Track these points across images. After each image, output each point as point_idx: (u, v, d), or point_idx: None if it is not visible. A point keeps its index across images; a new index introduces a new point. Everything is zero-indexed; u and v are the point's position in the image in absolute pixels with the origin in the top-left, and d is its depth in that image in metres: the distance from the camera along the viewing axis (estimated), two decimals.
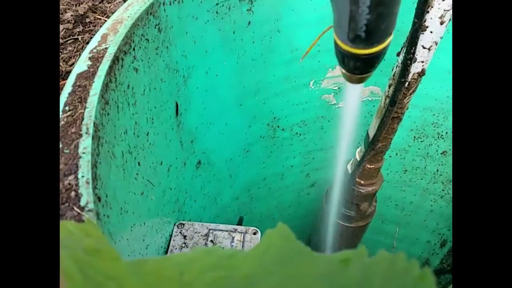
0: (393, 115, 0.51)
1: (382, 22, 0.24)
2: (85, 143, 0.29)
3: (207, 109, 0.66)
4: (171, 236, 0.59)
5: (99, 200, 0.28)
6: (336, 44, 0.27)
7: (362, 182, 0.66)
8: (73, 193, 0.25)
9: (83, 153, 0.28)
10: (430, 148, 0.91)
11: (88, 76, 0.35)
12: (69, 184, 0.25)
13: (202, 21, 0.57)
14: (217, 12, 0.59)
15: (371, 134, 0.57)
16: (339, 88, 0.81)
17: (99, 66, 0.37)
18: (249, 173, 0.88)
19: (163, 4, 0.49)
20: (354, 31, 0.25)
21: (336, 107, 0.85)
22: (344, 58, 0.28)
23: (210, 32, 0.60)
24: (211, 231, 0.60)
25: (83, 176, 0.26)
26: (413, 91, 0.48)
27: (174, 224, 0.61)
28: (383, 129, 0.54)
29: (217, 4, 0.59)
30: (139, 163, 0.45)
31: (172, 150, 0.58)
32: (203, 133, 0.68)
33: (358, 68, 0.28)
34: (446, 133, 0.86)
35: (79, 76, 0.36)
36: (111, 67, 0.37)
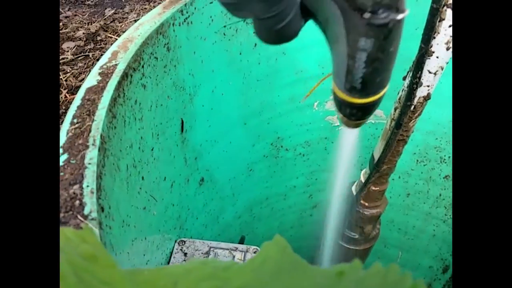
0: (398, 138, 0.52)
1: (378, 76, 0.26)
2: (91, 154, 0.29)
3: (212, 127, 0.67)
4: (171, 253, 0.59)
5: (102, 210, 0.28)
6: (333, 92, 0.29)
7: (367, 204, 0.66)
8: (77, 202, 0.25)
9: (89, 163, 0.29)
10: (432, 172, 0.90)
11: (97, 90, 0.37)
12: (74, 193, 0.26)
13: (210, 42, 0.59)
14: (224, 34, 0.61)
15: (376, 156, 0.57)
16: None
17: (108, 81, 0.38)
18: (252, 192, 0.88)
19: (173, 24, 0.51)
20: (350, 82, 0.26)
21: (339, 129, 0.86)
22: (341, 105, 0.30)
23: (217, 52, 0.61)
24: (212, 249, 0.60)
25: (87, 186, 0.27)
26: (419, 115, 0.49)
27: (175, 241, 0.61)
28: (388, 151, 0.54)
29: (224, 26, 0.60)
30: (143, 177, 0.45)
31: (176, 166, 0.58)
32: (207, 151, 0.68)
33: (354, 115, 0.30)
34: (449, 157, 0.86)
35: (89, 90, 0.37)
36: (120, 83, 0.38)
